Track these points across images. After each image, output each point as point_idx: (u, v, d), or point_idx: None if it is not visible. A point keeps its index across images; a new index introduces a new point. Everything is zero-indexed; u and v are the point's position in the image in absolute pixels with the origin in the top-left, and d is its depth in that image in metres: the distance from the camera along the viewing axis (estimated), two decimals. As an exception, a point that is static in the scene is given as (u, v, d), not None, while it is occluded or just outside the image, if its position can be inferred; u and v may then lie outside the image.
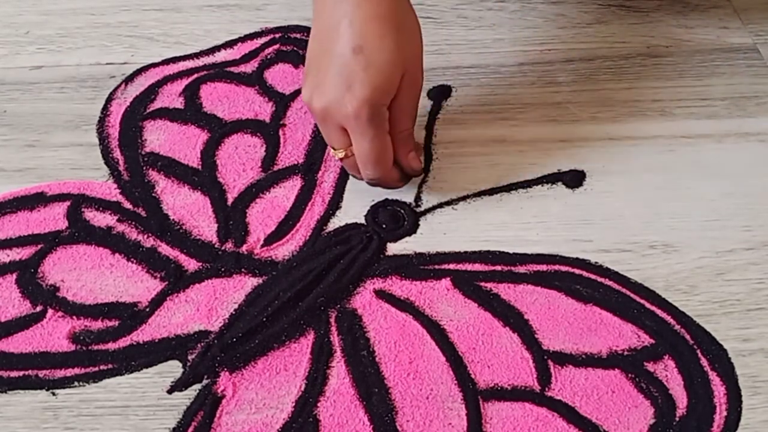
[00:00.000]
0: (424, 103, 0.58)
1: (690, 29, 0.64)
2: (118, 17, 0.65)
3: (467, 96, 0.59)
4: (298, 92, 0.58)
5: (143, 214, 0.52)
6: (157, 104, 0.58)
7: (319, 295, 0.47)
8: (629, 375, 0.44)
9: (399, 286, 0.48)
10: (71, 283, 0.48)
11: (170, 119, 0.57)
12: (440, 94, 0.59)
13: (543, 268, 0.49)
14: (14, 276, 0.48)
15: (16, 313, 0.47)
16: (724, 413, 0.43)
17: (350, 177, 0.53)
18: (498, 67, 0.61)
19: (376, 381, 0.44)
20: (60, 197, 0.52)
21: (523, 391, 0.44)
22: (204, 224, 0.51)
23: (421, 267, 0.49)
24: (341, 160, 0.51)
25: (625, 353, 0.45)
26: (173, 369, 0.45)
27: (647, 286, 0.48)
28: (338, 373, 0.44)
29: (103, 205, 0.52)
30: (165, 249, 0.50)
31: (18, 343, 0.46)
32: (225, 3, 0.66)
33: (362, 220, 0.51)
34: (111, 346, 0.46)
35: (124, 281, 0.48)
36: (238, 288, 0.48)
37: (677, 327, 0.46)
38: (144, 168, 0.54)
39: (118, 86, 0.59)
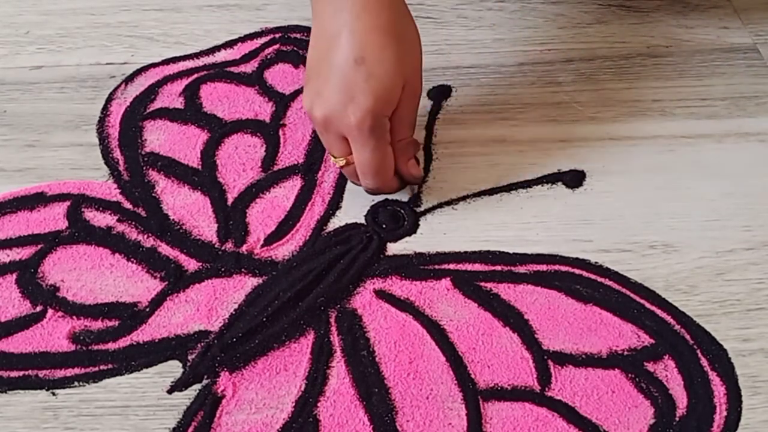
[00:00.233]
0: (424, 103, 0.58)
1: (690, 29, 0.64)
2: (118, 17, 0.65)
3: (467, 96, 0.59)
4: (298, 92, 0.59)
5: (143, 214, 0.52)
6: (157, 104, 0.58)
7: (319, 295, 0.47)
8: (629, 375, 0.44)
9: (399, 286, 0.48)
10: (71, 283, 0.48)
11: (170, 119, 0.57)
12: (440, 94, 0.59)
13: (543, 268, 0.49)
14: (14, 276, 0.48)
15: (16, 313, 0.47)
16: (724, 413, 0.43)
17: (350, 177, 0.54)
18: (498, 67, 0.61)
19: (376, 381, 0.44)
20: (60, 197, 0.52)
21: (523, 391, 0.44)
22: (204, 224, 0.51)
23: (421, 267, 0.49)
24: (341, 167, 0.51)
25: (625, 353, 0.45)
26: (173, 369, 0.45)
27: (647, 286, 0.48)
28: (338, 373, 0.44)
29: (103, 205, 0.52)
30: (165, 249, 0.50)
31: (18, 343, 0.46)
32: (225, 3, 0.66)
33: (362, 220, 0.51)
34: (111, 346, 0.46)
35: (124, 281, 0.48)
36: (238, 288, 0.48)
37: (677, 327, 0.46)
38: (144, 168, 0.54)
39: (118, 86, 0.59)
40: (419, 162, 0.53)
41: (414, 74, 0.49)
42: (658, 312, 0.47)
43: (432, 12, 0.65)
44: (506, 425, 0.42)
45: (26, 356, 0.45)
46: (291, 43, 0.62)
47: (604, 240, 0.50)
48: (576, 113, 0.57)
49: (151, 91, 0.59)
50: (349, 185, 0.53)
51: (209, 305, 0.47)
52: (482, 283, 0.48)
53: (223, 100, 0.58)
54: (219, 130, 0.56)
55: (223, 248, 0.50)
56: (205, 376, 0.44)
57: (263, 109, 0.57)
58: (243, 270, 0.49)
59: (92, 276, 0.48)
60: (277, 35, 0.63)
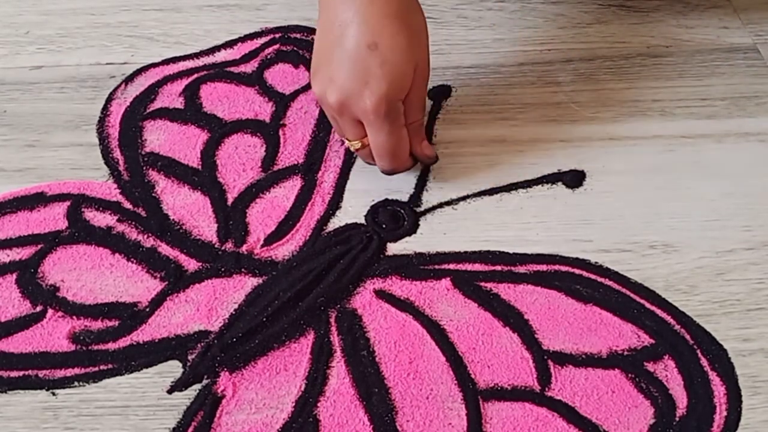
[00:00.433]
0: (424, 103, 0.58)
1: (690, 29, 0.64)
2: (118, 17, 0.65)
3: (467, 96, 0.59)
4: (298, 92, 0.59)
5: (143, 214, 0.52)
6: (157, 104, 0.58)
7: (319, 295, 0.47)
8: (629, 375, 0.44)
9: (399, 286, 0.48)
10: (71, 283, 0.48)
11: (170, 119, 0.57)
12: (440, 94, 0.59)
13: (543, 268, 0.49)
14: (14, 276, 0.48)
15: (16, 313, 0.47)
16: (724, 413, 0.43)
17: (350, 177, 0.53)
18: (498, 67, 0.61)
19: (376, 381, 0.44)
20: (60, 197, 0.52)
21: (523, 391, 0.44)
22: (204, 224, 0.51)
23: (421, 267, 0.49)
24: (356, 150, 0.52)
25: (625, 353, 0.45)
26: (173, 369, 0.45)
27: (647, 286, 0.48)
28: (338, 373, 0.44)
29: (103, 205, 0.52)
30: (165, 249, 0.50)
31: (18, 343, 0.46)
32: (225, 3, 0.66)
33: (362, 220, 0.51)
34: (111, 346, 0.46)
35: (124, 281, 0.48)
36: (238, 288, 0.48)
37: (677, 327, 0.46)
38: (144, 168, 0.54)
39: (118, 86, 0.59)
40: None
41: (423, 59, 0.50)
42: (658, 312, 0.47)
43: (432, 12, 0.65)
44: (506, 425, 0.42)
45: (26, 356, 0.45)
46: (291, 43, 0.62)
47: (604, 240, 0.50)
48: (576, 113, 0.57)
49: (151, 91, 0.59)
50: (350, 185, 0.53)
51: (209, 305, 0.47)
52: (482, 283, 0.48)
53: (223, 100, 0.58)
54: (219, 130, 0.56)
55: (223, 248, 0.50)
56: (205, 376, 0.44)
57: (263, 109, 0.58)
58: (243, 270, 0.49)
59: (92, 276, 0.48)
60: (277, 35, 0.63)
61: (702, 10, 0.65)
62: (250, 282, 0.48)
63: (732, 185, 0.53)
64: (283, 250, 0.50)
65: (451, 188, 0.53)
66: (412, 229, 0.51)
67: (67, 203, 0.52)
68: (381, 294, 0.48)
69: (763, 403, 0.43)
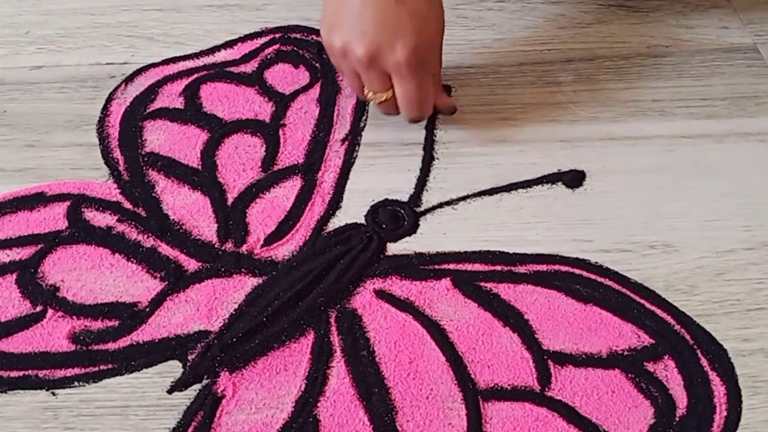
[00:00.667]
0: (424, 103, 0.58)
1: (690, 29, 0.64)
2: (118, 17, 0.65)
3: (467, 96, 0.59)
4: (298, 92, 0.59)
5: (143, 214, 0.52)
6: (157, 104, 0.58)
7: (319, 295, 0.47)
8: (629, 375, 0.44)
9: (399, 286, 0.48)
10: (71, 283, 0.48)
11: (170, 119, 0.57)
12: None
13: (543, 268, 0.49)
14: (14, 276, 0.48)
15: (16, 313, 0.47)
16: (724, 413, 0.43)
17: (350, 177, 0.53)
18: (498, 67, 0.61)
19: (376, 381, 0.44)
20: (60, 197, 0.52)
21: (523, 391, 0.44)
22: (204, 224, 0.51)
23: (421, 267, 0.49)
24: (380, 103, 0.53)
25: (625, 353, 0.45)
26: (173, 369, 0.45)
27: (647, 286, 0.48)
28: (338, 373, 0.44)
29: (103, 205, 0.52)
30: (165, 249, 0.50)
31: (18, 343, 0.46)
32: (225, 3, 0.66)
33: (362, 220, 0.51)
34: (111, 346, 0.46)
35: (124, 281, 0.48)
36: (238, 288, 0.48)
37: (677, 327, 0.46)
38: (144, 168, 0.54)
39: (118, 86, 0.59)
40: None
41: (441, 13, 0.52)
42: (658, 312, 0.47)
43: (432, 12, 0.65)
44: (506, 425, 0.42)
45: (26, 356, 0.45)
46: (291, 43, 0.62)
47: (604, 240, 0.50)
48: (576, 113, 0.57)
49: (151, 91, 0.59)
50: (349, 185, 0.53)
51: (209, 305, 0.47)
52: (482, 283, 0.48)
53: (223, 100, 0.58)
54: (219, 130, 0.56)
55: (223, 248, 0.50)
56: (205, 376, 0.44)
57: (263, 109, 0.58)
58: (243, 270, 0.49)
59: (92, 276, 0.48)
60: (277, 35, 0.63)
61: (702, 10, 0.65)
62: (250, 282, 0.48)
63: (732, 185, 0.53)
64: (283, 250, 0.50)
65: (451, 188, 0.53)
66: (412, 229, 0.51)
67: (67, 203, 0.52)
68: (381, 294, 0.48)
69: (763, 403, 0.43)
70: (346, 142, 0.56)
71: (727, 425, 0.42)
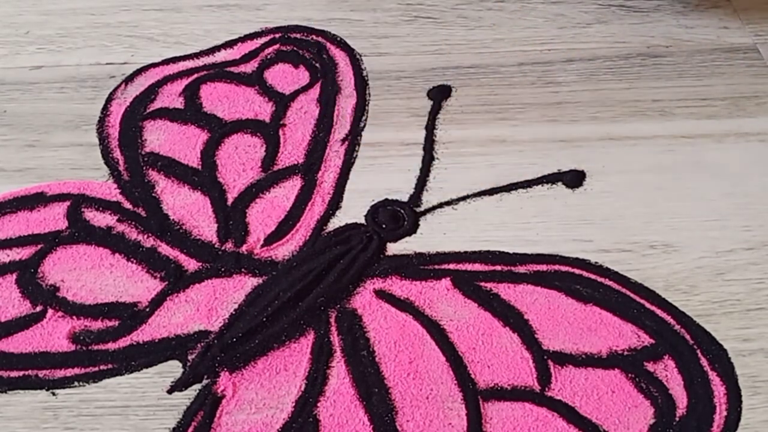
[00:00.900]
0: (425, 104, 0.58)
1: (690, 29, 0.64)
2: (118, 17, 0.65)
3: (467, 96, 0.59)
4: (298, 92, 0.59)
5: (143, 214, 0.52)
6: (157, 104, 0.58)
7: (319, 295, 0.47)
8: (629, 375, 0.44)
9: (399, 286, 0.48)
10: (71, 283, 0.48)
11: (170, 119, 0.57)
12: (440, 94, 0.59)
13: (543, 268, 0.49)
14: (14, 276, 0.48)
15: (16, 313, 0.47)
16: (724, 413, 0.43)
17: (350, 177, 0.53)
18: (498, 67, 0.61)
19: (376, 381, 0.44)
20: (60, 197, 0.52)
21: (523, 391, 0.44)
22: (204, 224, 0.51)
23: (421, 267, 0.49)
24: None
25: (625, 353, 0.45)
26: (173, 369, 0.45)
27: (647, 286, 0.48)
28: (338, 373, 0.44)
29: (103, 205, 0.52)
30: (165, 249, 0.50)
31: (18, 343, 0.46)
32: (225, 3, 0.66)
33: (362, 220, 0.51)
34: (111, 346, 0.46)
35: (124, 281, 0.48)
36: (238, 288, 0.48)
37: (677, 327, 0.46)
38: (144, 168, 0.54)
39: (118, 86, 0.59)
40: None
41: None
42: (658, 312, 0.47)
43: (432, 12, 0.65)
44: (506, 425, 0.42)
45: (26, 356, 0.45)
46: (291, 43, 0.62)
47: (604, 240, 0.50)
48: (576, 113, 0.58)
49: (151, 91, 0.59)
50: (349, 185, 0.53)
51: (209, 305, 0.47)
52: (482, 283, 0.48)
53: (223, 100, 0.58)
54: (219, 130, 0.56)
55: (223, 248, 0.50)
56: (205, 376, 0.44)
57: (263, 109, 0.58)
58: (243, 270, 0.49)
59: (92, 276, 0.48)
60: (277, 35, 0.63)
61: (702, 10, 0.65)
62: (250, 282, 0.48)
63: (732, 185, 0.53)
64: (283, 250, 0.50)
65: (451, 188, 0.53)
66: (412, 229, 0.51)
67: (67, 203, 0.52)
68: (381, 294, 0.48)
69: (763, 403, 0.43)
70: (346, 142, 0.56)
71: (727, 425, 0.42)
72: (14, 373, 0.45)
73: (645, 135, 0.56)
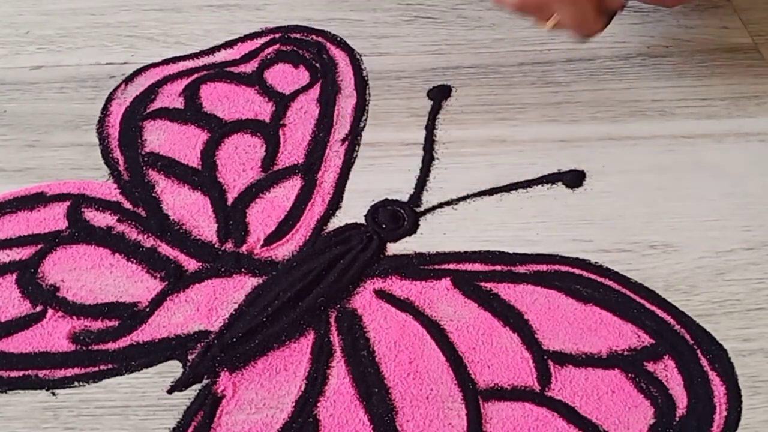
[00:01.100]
0: (425, 104, 0.58)
1: (690, 29, 0.64)
2: (118, 17, 0.65)
3: (467, 96, 0.59)
4: (298, 92, 0.59)
5: (143, 214, 0.52)
6: (157, 104, 0.58)
7: (319, 295, 0.47)
8: (629, 375, 0.44)
9: (399, 286, 0.48)
10: (71, 283, 0.48)
11: (170, 119, 0.57)
12: (440, 94, 0.59)
13: (543, 268, 0.49)
14: (14, 276, 0.48)
15: (16, 313, 0.47)
16: (724, 413, 0.43)
17: (350, 177, 0.53)
18: (498, 67, 0.61)
19: (376, 381, 0.44)
20: (60, 197, 0.52)
21: (523, 391, 0.44)
22: (204, 224, 0.51)
23: (421, 267, 0.49)
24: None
25: (625, 353, 0.45)
26: (173, 369, 0.45)
27: (647, 286, 0.48)
28: (338, 373, 0.44)
29: (103, 205, 0.52)
30: (165, 249, 0.50)
31: (18, 343, 0.46)
32: (225, 3, 0.66)
33: (362, 220, 0.51)
34: (111, 346, 0.46)
35: (124, 281, 0.48)
36: (238, 288, 0.48)
37: (677, 327, 0.46)
38: (144, 168, 0.54)
39: (118, 86, 0.59)
40: None
41: None
42: (658, 312, 0.47)
43: (432, 12, 0.65)
44: (506, 425, 0.42)
45: (26, 356, 0.45)
46: (291, 43, 0.62)
47: (604, 240, 0.50)
48: (576, 113, 0.58)
49: (151, 91, 0.59)
50: (349, 185, 0.53)
51: (209, 305, 0.47)
52: (482, 283, 0.48)
53: (223, 100, 0.58)
54: (219, 130, 0.56)
55: (223, 248, 0.50)
56: (205, 376, 0.44)
57: (263, 109, 0.58)
58: (243, 270, 0.49)
59: (92, 276, 0.48)
60: (277, 35, 0.63)
61: (702, 10, 0.65)
62: (250, 282, 0.48)
63: (732, 185, 0.53)
64: (283, 250, 0.50)
65: (451, 188, 0.53)
66: (412, 229, 0.51)
67: (67, 203, 0.52)
68: (381, 294, 0.48)
69: (763, 403, 0.43)
70: (346, 142, 0.56)
71: (727, 425, 0.42)
72: (14, 373, 0.44)
73: (645, 135, 0.56)
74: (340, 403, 0.43)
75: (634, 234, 0.50)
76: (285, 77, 0.60)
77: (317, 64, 0.60)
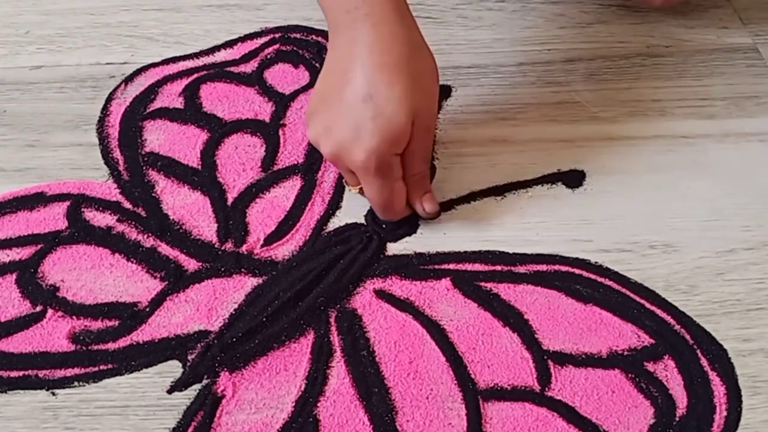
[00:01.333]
0: (424, 103, 0.58)
1: (690, 29, 0.64)
2: (118, 17, 0.65)
3: (467, 96, 0.59)
4: (298, 92, 0.59)
5: (143, 214, 0.52)
6: (156, 104, 0.58)
7: (319, 295, 0.47)
8: (629, 375, 0.44)
9: (399, 286, 0.48)
10: (71, 283, 0.48)
11: (170, 119, 0.57)
12: (440, 94, 0.58)
13: (543, 268, 0.49)
14: (14, 276, 0.48)
15: (16, 313, 0.47)
16: (724, 413, 0.43)
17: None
18: (498, 67, 0.61)
19: (376, 381, 0.44)
20: (60, 197, 0.52)
21: (523, 391, 0.44)
22: (204, 224, 0.51)
23: (421, 267, 0.49)
24: (358, 193, 0.51)
25: (625, 353, 0.45)
26: (173, 369, 0.45)
27: (647, 286, 0.48)
28: (338, 373, 0.44)
29: (103, 205, 0.52)
30: (165, 249, 0.50)
31: (18, 343, 0.46)
32: (225, 3, 0.66)
33: (362, 220, 0.51)
34: (111, 346, 0.46)
35: (124, 281, 0.48)
36: (238, 288, 0.48)
37: (677, 327, 0.46)
38: (144, 168, 0.54)
39: (118, 86, 0.59)
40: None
41: (426, 109, 0.48)
42: (658, 312, 0.47)
43: (432, 12, 0.65)
44: (506, 425, 0.42)
45: (26, 356, 0.45)
46: (291, 43, 0.62)
47: (604, 240, 0.50)
48: (576, 113, 0.58)
49: (151, 91, 0.59)
50: (349, 185, 0.53)
51: (209, 305, 0.47)
52: (482, 283, 0.48)
53: (223, 100, 0.58)
54: (219, 130, 0.56)
55: (223, 248, 0.50)
56: (205, 376, 0.44)
57: (263, 109, 0.58)
58: (243, 270, 0.49)
59: (92, 276, 0.48)
60: (276, 35, 0.63)
61: (702, 10, 0.65)
62: (250, 282, 0.48)
63: (732, 185, 0.53)
64: (283, 250, 0.50)
65: (451, 188, 0.53)
66: (412, 229, 0.51)
67: (67, 203, 0.52)
68: (381, 294, 0.48)
69: (763, 403, 0.43)
70: (346, 142, 0.55)
71: (727, 425, 0.42)
72: (14, 373, 0.44)
73: (645, 135, 0.56)
74: (340, 403, 0.43)
75: (634, 234, 0.50)
76: (285, 77, 0.60)
77: (317, 64, 0.60)
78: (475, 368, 0.44)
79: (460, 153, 0.55)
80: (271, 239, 0.50)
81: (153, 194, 0.53)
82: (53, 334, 0.46)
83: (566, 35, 0.63)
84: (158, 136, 0.56)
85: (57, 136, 0.56)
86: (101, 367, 0.45)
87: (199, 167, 0.54)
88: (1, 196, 0.52)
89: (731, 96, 0.59)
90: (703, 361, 0.45)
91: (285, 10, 0.65)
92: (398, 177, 0.48)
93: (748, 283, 0.48)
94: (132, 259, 0.49)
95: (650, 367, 0.44)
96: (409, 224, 0.51)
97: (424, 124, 0.48)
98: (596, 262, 0.49)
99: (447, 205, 0.52)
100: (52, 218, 0.51)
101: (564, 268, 0.49)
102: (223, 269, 0.49)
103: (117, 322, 0.46)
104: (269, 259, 0.49)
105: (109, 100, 0.58)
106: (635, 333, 0.46)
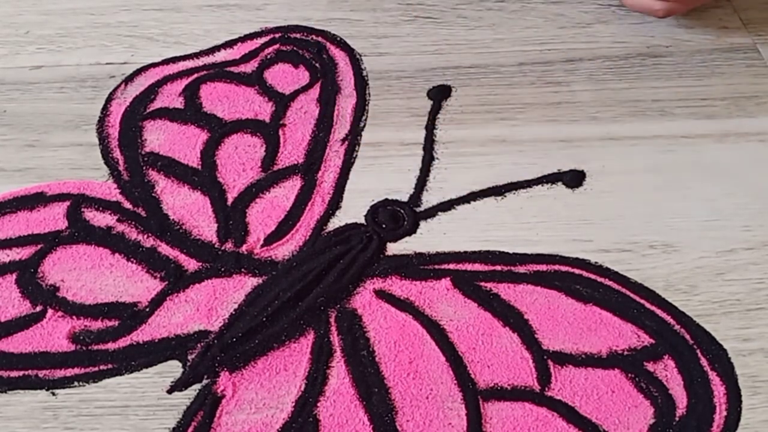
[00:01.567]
0: (425, 104, 0.58)
1: (690, 29, 0.64)
2: (118, 17, 0.65)
3: (467, 96, 0.59)
4: (298, 92, 0.59)
5: (143, 214, 0.52)
6: (157, 104, 0.58)
7: (319, 295, 0.47)
8: (629, 375, 0.44)
9: (399, 286, 0.48)
10: (71, 283, 0.48)
11: (170, 119, 0.57)
12: (440, 94, 0.59)
13: (543, 268, 0.49)
14: (14, 276, 0.48)
15: (16, 313, 0.47)
16: (724, 413, 0.43)
17: (350, 177, 0.53)
18: (498, 67, 0.61)
19: (376, 381, 0.44)
20: (60, 197, 0.52)
21: (523, 391, 0.44)
22: (204, 224, 0.51)
23: (421, 267, 0.49)
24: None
25: (625, 353, 0.45)
26: (173, 369, 0.45)
27: (647, 286, 0.48)
28: (338, 373, 0.44)
29: (103, 205, 0.52)
30: (165, 249, 0.50)
31: (18, 343, 0.46)
32: (225, 3, 0.66)
33: (362, 220, 0.51)
34: (111, 346, 0.46)
35: (124, 281, 0.48)
36: (238, 288, 0.48)
37: (677, 327, 0.46)
38: (144, 168, 0.54)
39: (118, 86, 0.59)
40: None
41: None
42: (658, 312, 0.47)
43: (432, 12, 0.65)
44: (506, 425, 0.42)
45: (26, 356, 0.45)
46: (291, 43, 0.62)
47: (604, 240, 0.50)
48: (576, 113, 0.58)
49: (151, 91, 0.59)
50: (349, 185, 0.53)
51: (209, 305, 0.47)
52: (482, 283, 0.48)
53: (223, 100, 0.58)
54: (219, 130, 0.56)
55: (223, 248, 0.50)
56: (205, 376, 0.44)
57: (263, 109, 0.58)
58: (243, 270, 0.49)
59: (92, 276, 0.48)
60: (277, 35, 0.63)
61: (702, 10, 0.65)
62: (250, 282, 0.48)
63: (732, 185, 0.53)
64: (283, 250, 0.50)
65: (451, 188, 0.53)
66: (412, 229, 0.51)
67: (67, 203, 0.52)
68: (381, 294, 0.48)
69: (763, 403, 0.43)
70: (346, 142, 0.56)
71: (727, 425, 0.42)
72: (14, 373, 0.44)
73: (645, 135, 0.56)
74: (340, 403, 0.43)
75: (634, 234, 0.50)
76: (285, 77, 0.60)
77: (317, 64, 0.60)
78: (475, 368, 0.44)
79: (460, 153, 0.55)
80: (271, 239, 0.50)
81: (153, 194, 0.53)
82: (53, 334, 0.46)
83: (566, 35, 0.63)
84: (158, 136, 0.56)
85: (57, 136, 0.56)
86: (101, 367, 0.45)
87: (199, 167, 0.54)
88: (1, 196, 0.52)
89: (731, 96, 0.59)
90: (703, 361, 0.45)
91: (285, 10, 0.65)
92: None
93: (748, 283, 0.48)
94: (132, 259, 0.49)
95: (650, 367, 0.44)
96: (409, 224, 0.51)
97: None
98: (596, 262, 0.49)
99: (447, 205, 0.52)
100: (52, 218, 0.51)
101: (564, 268, 0.49)
102: (223, 269, 0.49)
103: (117, 322, 0.46)
104: (269, 259, 0.49)
105: (109, 100, 0.58)
106: (635, 333, 0.46)
